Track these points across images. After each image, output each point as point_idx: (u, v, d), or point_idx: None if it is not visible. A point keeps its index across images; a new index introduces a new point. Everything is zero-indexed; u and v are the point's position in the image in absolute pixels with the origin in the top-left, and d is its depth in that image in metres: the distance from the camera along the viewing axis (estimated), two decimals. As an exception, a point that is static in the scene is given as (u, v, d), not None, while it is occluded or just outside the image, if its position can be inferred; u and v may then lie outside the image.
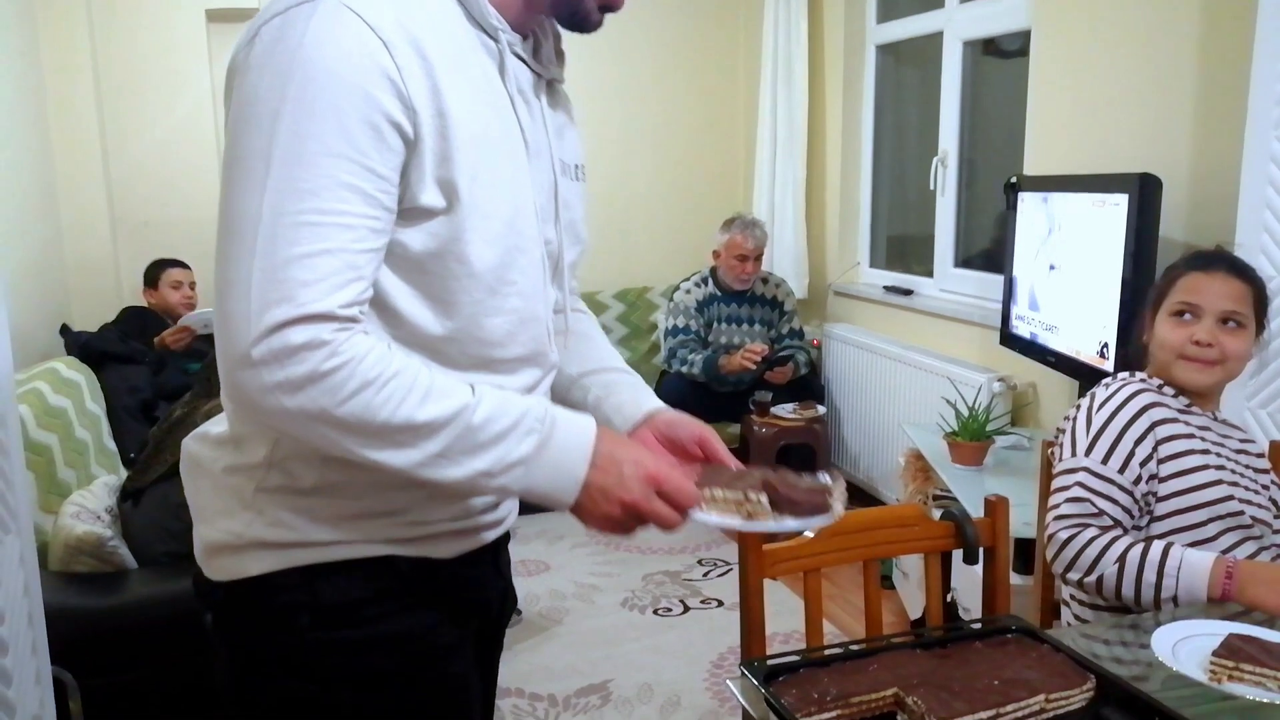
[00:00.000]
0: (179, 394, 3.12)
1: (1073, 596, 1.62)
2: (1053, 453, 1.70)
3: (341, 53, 0.84)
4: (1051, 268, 2.61)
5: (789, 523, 0.99)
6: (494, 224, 0.94)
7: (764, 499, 0.98)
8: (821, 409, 3.63)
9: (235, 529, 0.96)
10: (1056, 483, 1.55)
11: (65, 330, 3.09)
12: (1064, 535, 1.47)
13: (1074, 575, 1.47)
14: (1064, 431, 1.62)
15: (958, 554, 1.44)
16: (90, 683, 1.76)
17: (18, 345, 2.92)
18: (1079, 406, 1.62)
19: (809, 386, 3.82)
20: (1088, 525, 1.47)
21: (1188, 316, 1.55)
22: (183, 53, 3.81)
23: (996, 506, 1.47)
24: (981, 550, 1.45)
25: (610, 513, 0.95)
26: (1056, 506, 1.51)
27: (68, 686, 1.71)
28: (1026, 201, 2.76)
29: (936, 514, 2.57)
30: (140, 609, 1.86)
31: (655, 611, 3.00)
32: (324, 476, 0.95)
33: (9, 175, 3.10)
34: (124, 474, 2.71)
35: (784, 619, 2.73)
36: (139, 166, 3.82)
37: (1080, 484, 1.50)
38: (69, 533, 1.91)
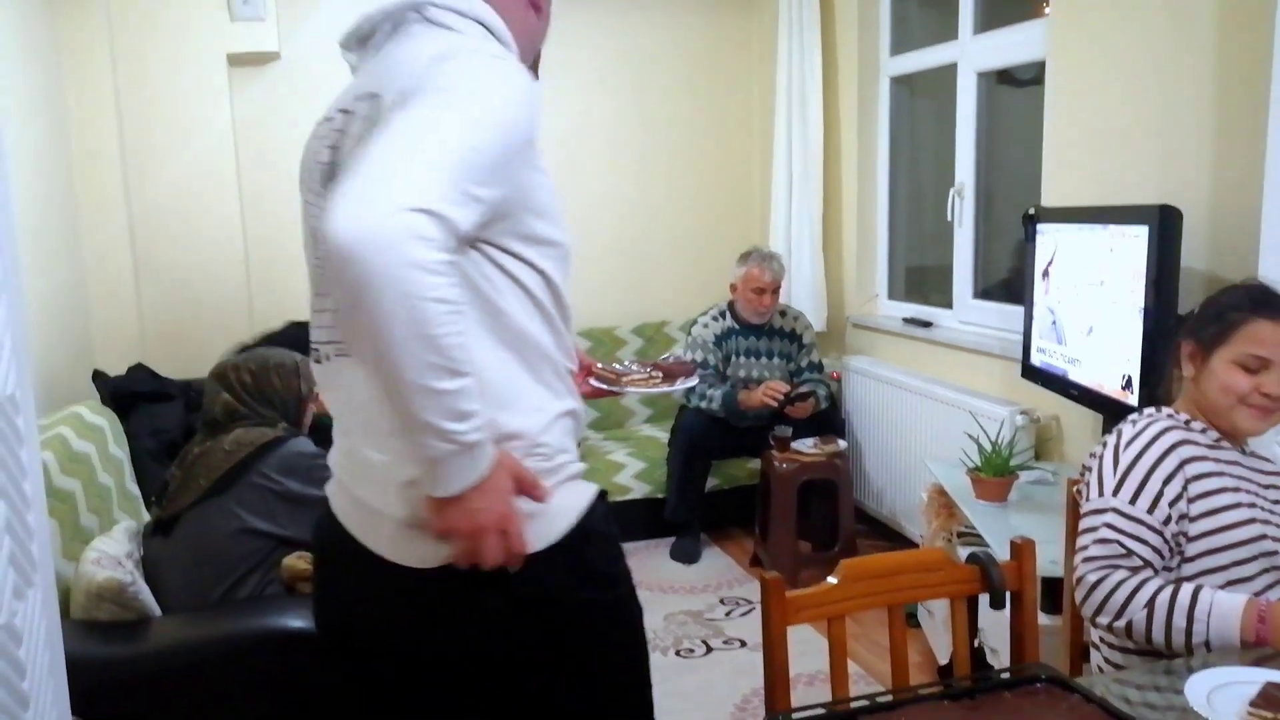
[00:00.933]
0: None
1: (1103, 640, 1.59)
2: (1079, 490, 1.68)
3: None
4: (1071, 300, 2.59)
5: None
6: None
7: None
8: (843, 444, 3.61)
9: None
10: (1084, 523, 1.53)
11: (98, 376, 3.10)
12: (1093, 578, 1.45)
13: (1104, 619, 1.44)
14: (1090, 470, 1.60)
15: (984, 597, 1.42)
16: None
17: (43, 388, 2.96)
18: (1105, 444, 1.60)
19: (829, 420, 3.79)
20: (1117, 567, 1.45)
21: (1255, 365, 1.51)
22: (204, 96, 3.87)
23: (1023, 549, 1.44)
24: (1008, 594, 1.43)
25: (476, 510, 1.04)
26: (1085, 548, 1.49)
27: (89, 736, 1.71)
28: (1045, 233, 2.74)
29: (962, 553, 2.54)
30: (161, 657, 1.86)
31: (678, 653, 2.97)
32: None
33: (35, 217, 3.14)
34: (145, 518, 2.73)
35: (809, 659, 2.69)
36: (159, 206, 3.86)
37: (1109, 525, 1.48)
38: (90, 580, 1.91)
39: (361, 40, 1.36)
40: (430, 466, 1.01)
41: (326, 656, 1.28)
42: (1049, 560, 2.14)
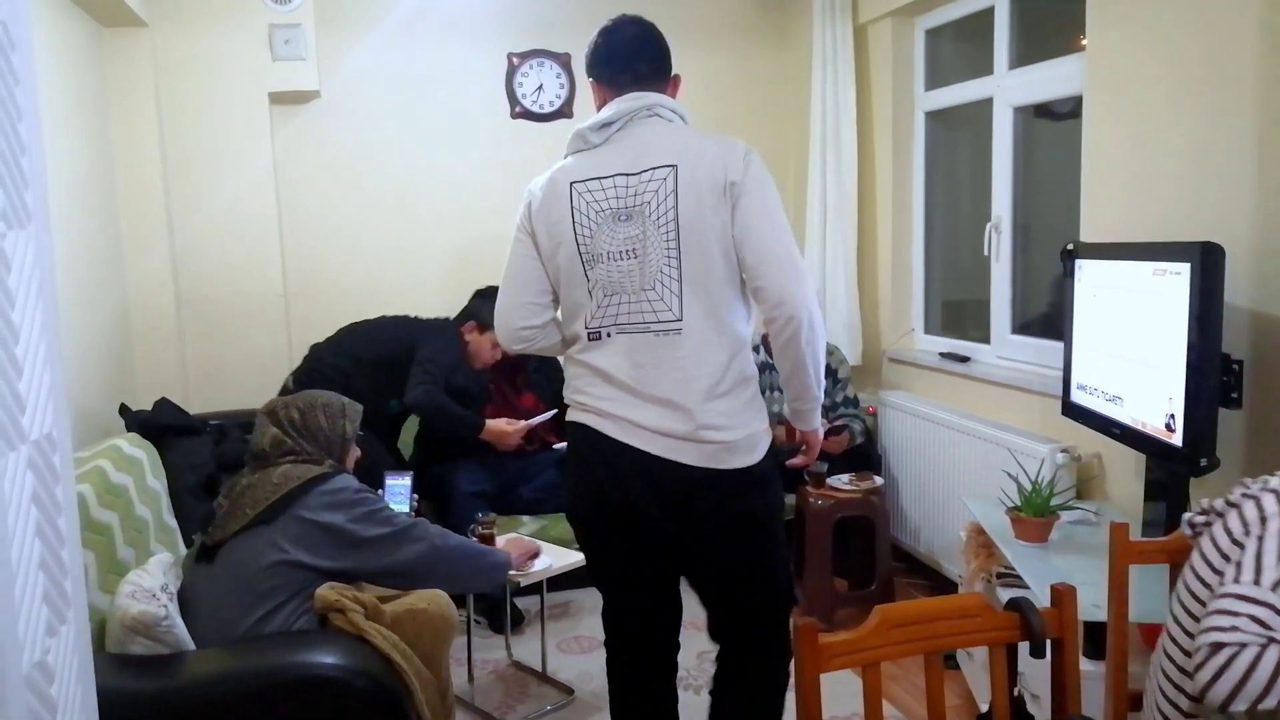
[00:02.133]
0: (240, 463, 3.19)
1: (1172, 703, 1.47)
2: (1201, 549, 1.47)
3: None
4: (1112, 337, 2.55)
5: None
6: None
7: None
8: (879, 480, 3.56)
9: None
10: (1223, 604, 1.32)
11: (124, 410, 3.15)
12: (1224, 656, 1.27)
13: (1242, 705, 1.26)
14: (1241, 545, 1.38)
15: (1024, 645, 1.38)
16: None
17: (83, 422, 3.00)
18: (1267, 518, 1.37)
19: (865, 456, 3.75)
20: (1249, 644, 1.27)
21: None
22: (246, 133, 3.94)
23: (1064, 595, 1.41)
24: (1049, 642, 1.39)
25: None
26: (1220, 630, 1.30)
27: (121, 772, 1.71)
28: (1084, 269, 2.70)
29: (1002, 595, 2.49)
30: (194, 691, 1.86)
31: (711, 693, 2.92)
32: None
33: (81, 254, 3.21)
34: (182, 549, 2.75)
35: (844, 701, 2.64)
36: (201, 243, 3.93)
37: (1256, 619, 1.29)
38: (125, 613, 1.92)
39: (605, 126, 1.98)
40: (806, 415, 2.03)
41: (598, 532, 2.05)
42: (1091, 604, 2.09)
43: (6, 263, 1.17)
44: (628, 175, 1.91)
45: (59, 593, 1.27)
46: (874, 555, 3.49)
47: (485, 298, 3.57)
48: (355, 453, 2.45)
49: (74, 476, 1.32)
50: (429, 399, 3.36)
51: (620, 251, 1.89)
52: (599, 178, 1.93)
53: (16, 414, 1.17)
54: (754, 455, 1.93)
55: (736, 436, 1.90)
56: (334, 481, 2.22)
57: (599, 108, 2.03)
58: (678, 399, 1.87)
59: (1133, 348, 2.44)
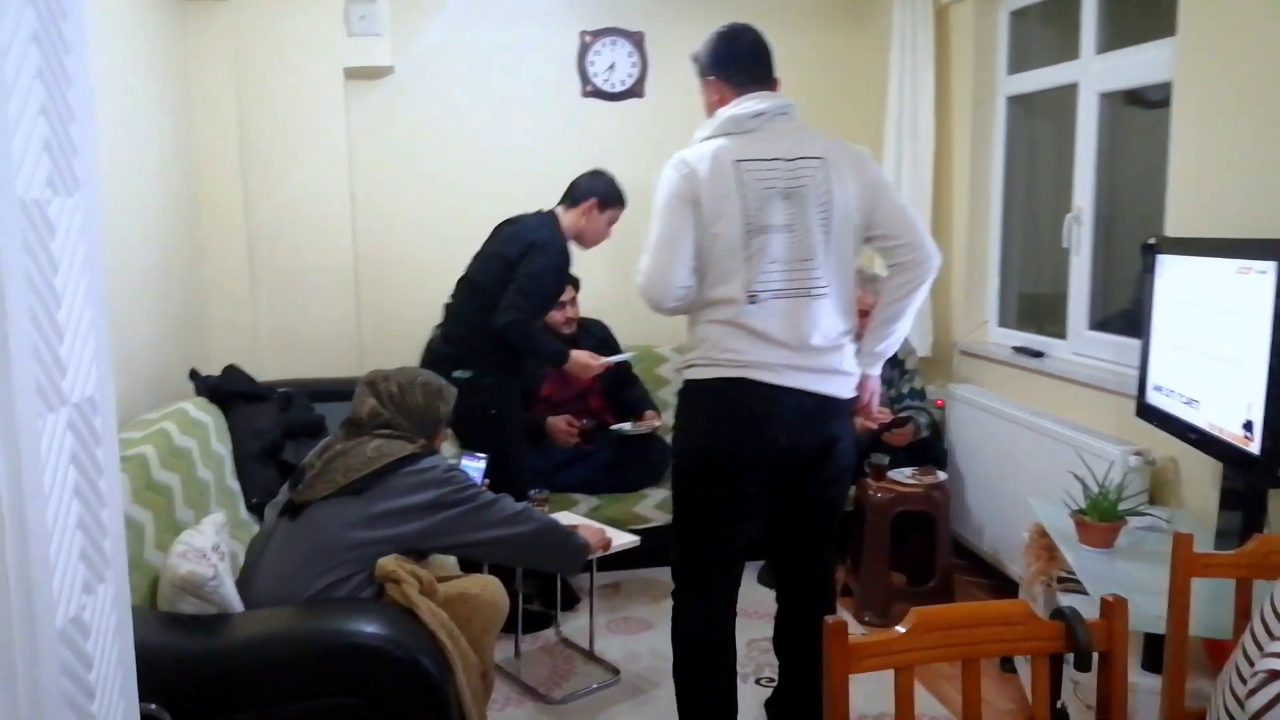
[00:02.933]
0: (305, 430, 3.26)
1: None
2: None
3: None
4: (1192, 337, 2.42)
5: None
6: None
7: None
8: (942, 475, 3.47)
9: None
10: None
11: (194, 374, 3.23)
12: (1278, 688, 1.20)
13: None
14: None
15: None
16: (189, 724, 1.80)
17: (154, 386, 3.09)
18: None
19: (930, 450, 3.66)
20: None
21: None
22: (322, 109, 3.99)
23: (1114, 608, 1.34)
24: (1096, 656, 1.33)
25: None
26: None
27: (165, 727, 1.75)
28: (1166, 264, 2.58)
29: (1063, 600, 2.40)
30: (235, 652, 1.90)
31: (758, 681, 2.89)
32: None
33: (160, 229, 3.30)
34: (243, 513, 2.81)
35: (879, 700, 2.59)
36: (277, 217, 4.00)
37: None
38: (174, 572, 1.97)
39: (757, 116, 2.24)
40: (881, 360, 2.42)
41: (736, 469, 2.28)
42: (1154, 614, 2.00)
43: (51, 228, 1.19)
44: (785, 160, 2.21)
45: (97, 552, 1.30)
46: (934, 551, 3.40)
47: (596, 176, 3.48)
48: (447, 434, 2.49)
49: (115, 440, 1.35)
50: (516, 330, 3.22)
51: (782, 225, 2.20)
52: (761, 159, 2.21)
53: (56, 377, 1.19)
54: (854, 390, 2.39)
55: (854, 373, 2.35)
56: (424, 461, 2.26)
57: (716, 103, 2.31)
58: (825, 345, 2.25)
59: (1212, 349, 2.32)
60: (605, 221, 3.47)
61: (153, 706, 1.70)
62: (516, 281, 3.26)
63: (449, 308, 3.46)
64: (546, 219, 3.45)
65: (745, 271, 2.20)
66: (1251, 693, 1.22)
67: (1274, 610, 1.37)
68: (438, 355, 3.34)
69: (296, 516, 2.21)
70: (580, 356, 3.41)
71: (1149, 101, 3.39)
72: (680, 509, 2.39)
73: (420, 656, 1.94)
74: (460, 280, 3.48)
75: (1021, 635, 1.34)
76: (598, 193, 3.44)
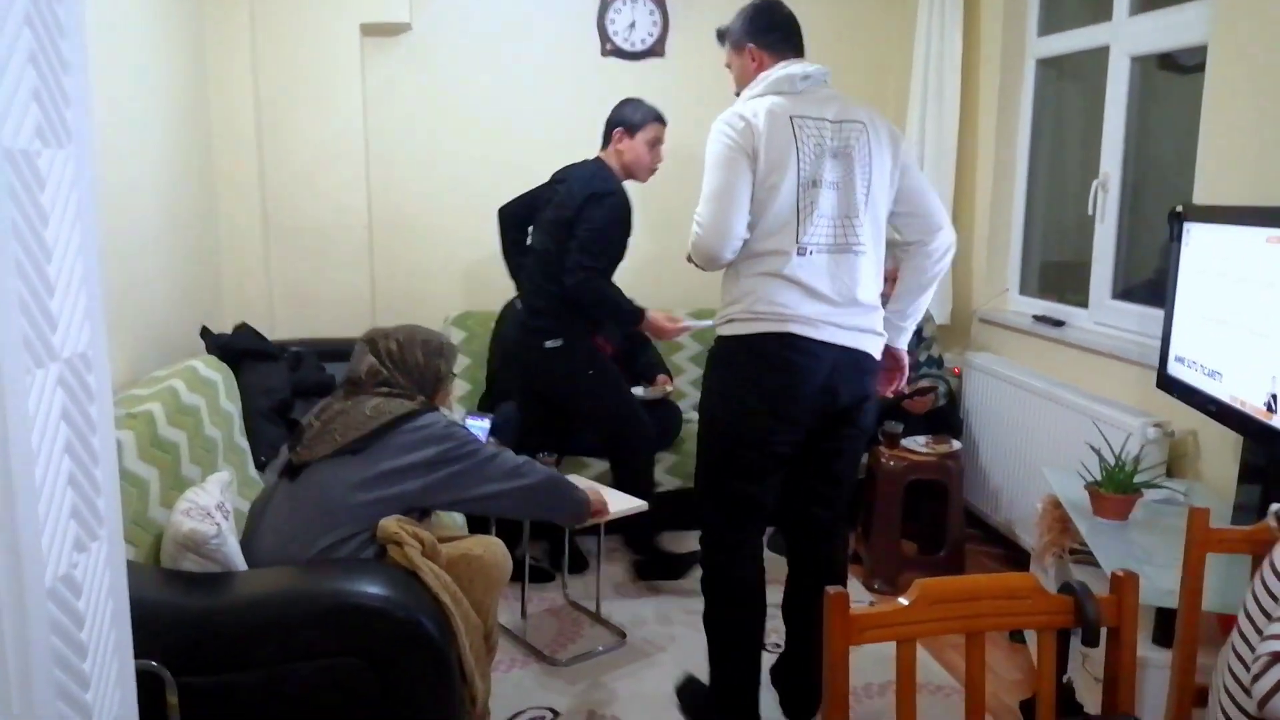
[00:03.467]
0: (316, 389, 3.25)
1: (1237, 704, 1.38)
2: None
3: None
4: (1217, 308, 2.36)
5: None
6: None
7: None
8: (956, 444, 3.43)
9: None
10: None
11: (205, 332, 3.23)
12: None
13: None
14: None
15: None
16: (191, 680, 1.80)
17: (165, 343, 3.08)
18: None
19: (945, 419, 3.61)
20: None
21: None
22: (338, 65, 3.95)
23: (1125, 583, 1.30)
24: (1104, 631, 1.30)
25: None
26: None
27: (166, 682, 1.75)
28: (1193, 233, 2.51)
29: (1075, 573, 2.37)
30: (236, 610, 1.89)
31: (767, 648, 2.88)
32: None
33: (174, 186, 3.27)
34: (251, 471, 2.81)
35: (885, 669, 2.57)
36: (292, 175, 3.97)
37: None
38: (177, 529, 1.97)
39: (805, 79, 2.33)
40: (905, 334, 2.49)
41: (779, 420, 2.31)
42: (1166, 589, 1.97)
43: (40, 180, 1.17)
44: (833, 122, 2.29)
45: (90, 510, 1.29)
46: (945, 521, 3.37)
47: (618, 106, 3.44)
48: (449, 391, 2.46)
49: (110, 396, 1.33)
50: (586, 290, 3.19)
51: (832, 182, 2.27)
52: (814, 118, 2.28)
53: (46, 332, 1.17)
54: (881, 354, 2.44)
55: (884, 336, 2.41)
56: (423, 419, 2.23)
57: (753, 70, 2.39)
58: (865, 303, 2.32)
59: (1238, 320, 2.26)
60: (643, 144, 3.36)
61: (152, 664, 1.70)
62: (578, 238, 3.18)
63: (523, 283, 3.44)
64: (594, 166, 3.37)
65: (796, 225, 2.25)
66: (1257, 677, 1.19)
67: (1266, 590, 1.33)
68: (526, 330, 3.33)
69: (296, 477, 2.20)
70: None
71: (1182, 66, 3.29)
72: (714, 469, 2.43)
73: (422, 618, 1.93)
74: (529, 253, 3.44)
75: (1028, 609, 1.31)
76: (621, 120, 3.38)
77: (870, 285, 2.34)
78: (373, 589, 1.92)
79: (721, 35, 2.50)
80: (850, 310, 2.29)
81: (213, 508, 2.02)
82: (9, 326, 1.10)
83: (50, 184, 1.20)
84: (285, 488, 2.22)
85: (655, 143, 3.37)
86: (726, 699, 2.47)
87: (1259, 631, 1.31)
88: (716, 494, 2.44)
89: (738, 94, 2.42)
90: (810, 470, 2.45)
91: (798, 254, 2.24)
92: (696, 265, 2.39)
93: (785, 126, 2.24)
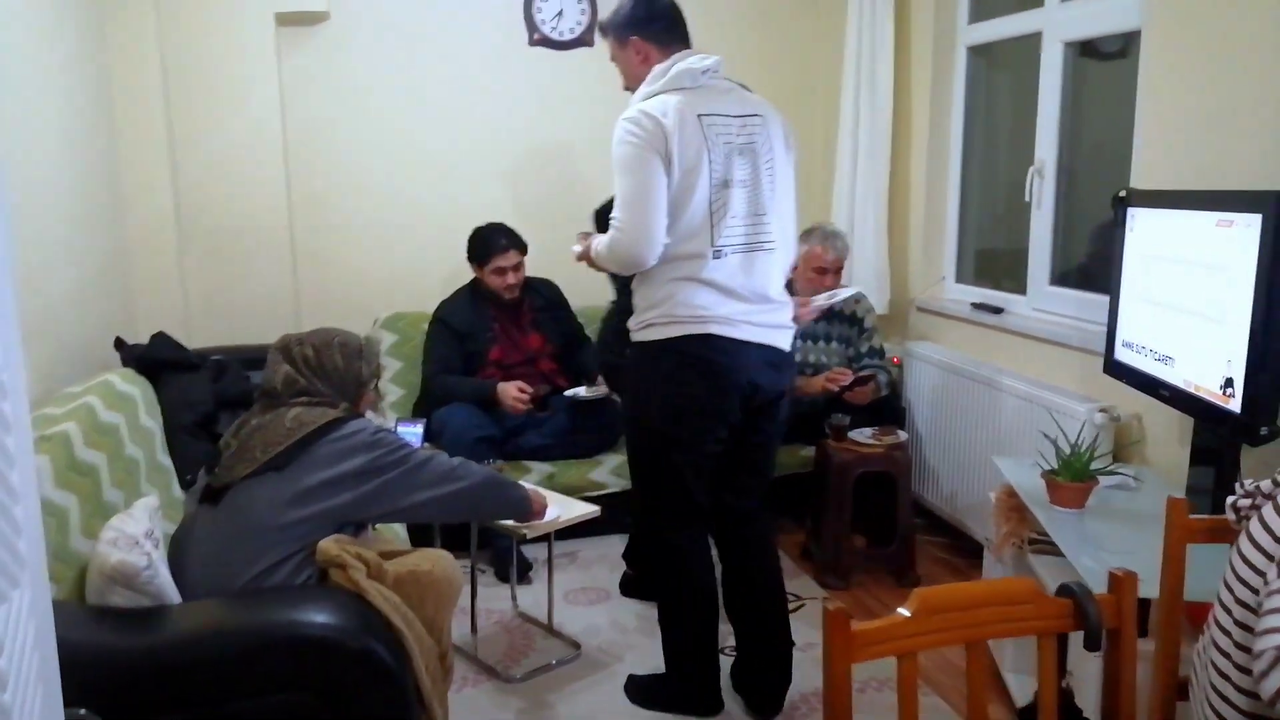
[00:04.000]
0: (240, 401, 3.07)
1: (1222, 696, 1.36)
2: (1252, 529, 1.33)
3: None
4: (1164, 292, 2.37)
5: None
6: None
7: None
8: (903, 435, 3.41)
9: None
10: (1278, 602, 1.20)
11: (120, 343, 3.03)
12: None
13: None
14: None
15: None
16: (123, 726, 1.65)
17: (76, 356, 2.88)
18: None
19: (889, 409, 3.60)
20: None
21: None
22: (251, 56, 3.75)
23: (1124, 584, 1.27)
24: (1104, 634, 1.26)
25: None
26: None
27: (96, 731, 1.61)
28: (1138, 218, 2.52)
29: (1034, 562, 2.36)
30: (176, 648, 1.75)
31: (723, 650, 2.82)
32: None
33: (78, 186, 3.06)
34: (176, 491, 2.64)
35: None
36: (206, 173, 3.77)
37: None
38: (104, 561, 1.81)
39: (705, 73, 2.29)
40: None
41: (713, 417, 2.35)
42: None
43: (-62, 185, 1.03)
44: (736, 118, 2.28)
45: (11, 555, 1.15)
46: (894, 513, 3.36)
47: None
48: (372, 397, 2.34)
49: (29, 423, 1.19)
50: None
51: (741, 180, 2.26)
52: (718, 115, 2.25)
53: (-48, 358, 1.03)
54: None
55: (794, 328, 2.45)
56: (348, 427, 2.10)
57: (638, 63, 2.33)
58: (775, 299, 2.35)
59: (1189, 305, 2.27)
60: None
61: (81, 712, 1.55)
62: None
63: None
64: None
65: (711, 227, 2.24)
66: (1263, 674, 1.16)
67: (1238, 578, 1.31)
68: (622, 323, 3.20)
69: (218, 501, 2.06)
70: (506, 392, 3.48)
71: (1104, 53, 3.33)
72: (653, 472, 2.43)
73: (374, 644, 1.82)
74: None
75: (1029, 614, 1.26)
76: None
77: (779, 281, 2.38)
78: (320, 617, 1.80)
79: (603, 29, 2.44)
80: (763, 307, 2.32)
81: (141, 536, 1.87)
82: (-91, 354, 0.96)
83: (-50, 190, 1.05)
84: (207, 513, 2.08)
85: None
86: (689, 698, 2.50)
87: (1241, 626, 1.29)
88: (656, 499, 2.45)
89: (629, 89, 2.38)
90: (734, 464, 2.47)
91: (713, 256, 2.25)
92: (606, 269, 2.39)
93: (696, 127, 2.21)
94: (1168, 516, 1.58)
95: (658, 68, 2.29)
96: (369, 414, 2.34)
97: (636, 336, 2.36)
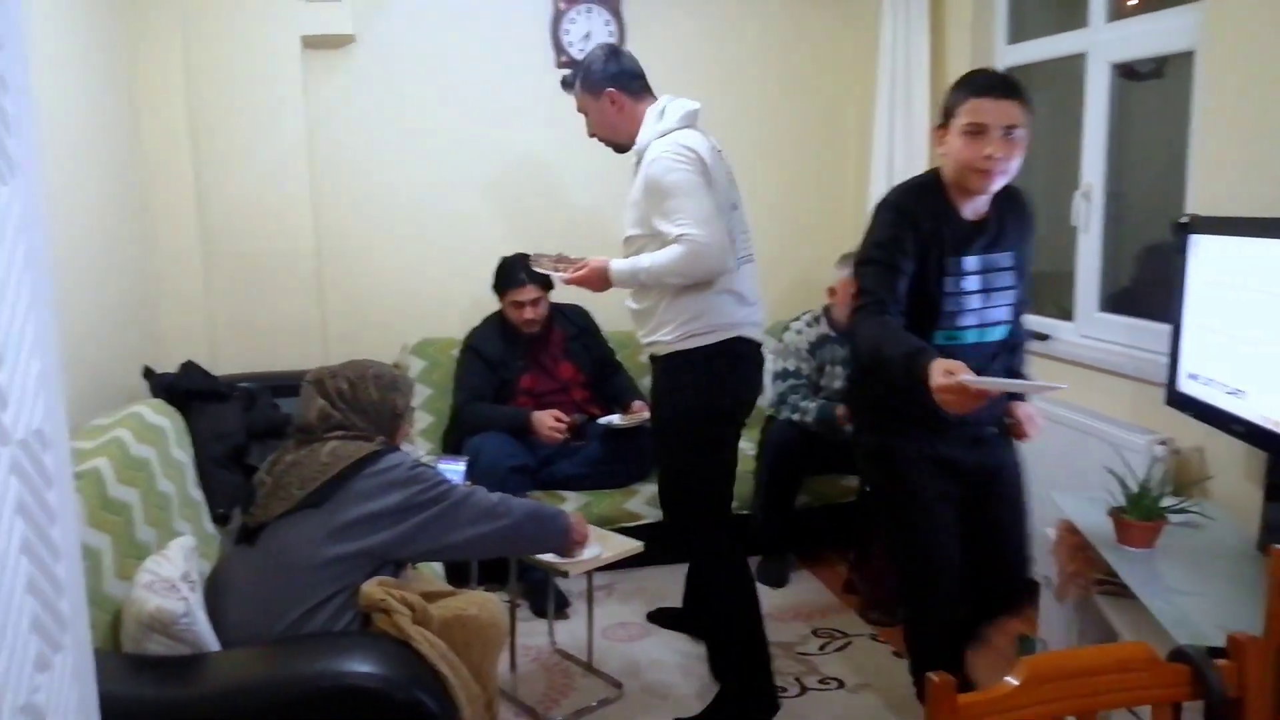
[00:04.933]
0: (271, 430, 3.00)
1: None
2: None
3: None
4: (1234, 322, 2.28)
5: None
6: None
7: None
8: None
9: None
10: None
11: (149, 373, 2.96)
12: None
13: None
14: None
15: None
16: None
17: (104, 387, 2.81)
18: None
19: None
20: None
21: None
22: (278, 81, 3.71)
23: (1246, 647, 1.17)
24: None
25: None
26: None
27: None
28: (1201, 245, 2.43)
29: (1101, 603, 2.25)
30: (217, 700, 1.67)
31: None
32: None
33: (106, 214, 3.01)
34: (208, 526, 2.57)
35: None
36: (232, 199, 3.71)
37: None
38: (141, 607, 1.74)
39: (694, 114, 2.62)
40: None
41: (742, 420, 2.64)
42: (1214, 625, 1.86)
43: (-17, 224, 0.96)
44: (718, 150, 2.58)
45: (53, 617, 1.07)
46: (940, 545, 3.24)
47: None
48: (407, 429, 2.29)
49: (71, 477, 1.12)
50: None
51: (732, 203, 2.57)
52: (714, 148, 2.56)
53: (-4, 410, 0.96)
54: None
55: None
56: (385, 460, 2.04)
57: (613, 112, 2.60)
58: (759, 303, 2.62)
59: (1264, 336, 2.17)
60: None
61: (121, 773, 1.47)
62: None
63: None
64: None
65: (733, 243, 2.50)
66: None
67: None
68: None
69: (255, 541, 2.00)
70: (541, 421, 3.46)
71: (1140, 74, 3.25)
72: (699, 480, 2.56)
73: (421, 695, 1.74)
74: None
75: (1143, 682, 1.17)
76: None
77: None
78: (365, 667, 1.72)
79: (574, 83, 2.65)
80: (759, 308, 2.61)
81: (178, 579, 1.80)
82: (-48, 411, 0.89)
83: (-5, 229, 0.99)
84: (243, 555, 2.02)
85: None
86: (749, 708, 2.58)
87: None
88: (702, 508, 2.58)
89: (595, 136, 2.67)
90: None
91: (735, 268, 2.51)
92: (677, 282, 2.44)
93: (714, 157, 2.51)
94: (1271, 567, 1.48)
95: (653, 109, 2.55)
96: (404, 446, 2.27)
97: (680, 346, 2.50)
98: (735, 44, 4.24)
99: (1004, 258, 2.26)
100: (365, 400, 2.14)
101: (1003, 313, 2.26)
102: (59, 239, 2.57)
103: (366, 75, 3.87)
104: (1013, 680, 1.12)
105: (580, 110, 2.67)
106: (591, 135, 2.70)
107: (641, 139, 2.54)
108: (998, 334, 2.27)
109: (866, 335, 2.12)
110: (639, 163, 2.53)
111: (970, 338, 2.23)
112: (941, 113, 2.23)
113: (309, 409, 2.13)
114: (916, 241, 2.14)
